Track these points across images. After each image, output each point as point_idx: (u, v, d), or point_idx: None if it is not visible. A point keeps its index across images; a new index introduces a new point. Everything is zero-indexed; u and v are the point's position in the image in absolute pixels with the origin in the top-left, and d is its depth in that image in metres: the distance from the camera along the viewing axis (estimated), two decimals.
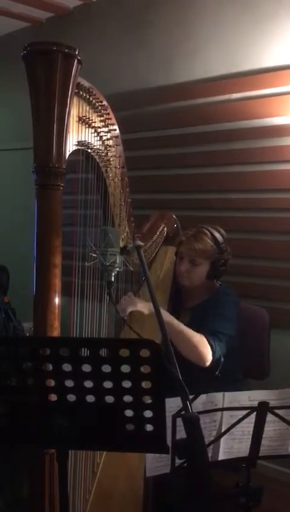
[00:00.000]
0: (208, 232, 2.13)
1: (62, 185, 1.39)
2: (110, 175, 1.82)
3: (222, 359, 2.00)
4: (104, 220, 1.85)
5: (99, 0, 3.63)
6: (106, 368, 1.09)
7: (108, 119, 1.68)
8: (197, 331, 1.99)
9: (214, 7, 3.01)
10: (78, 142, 1.55)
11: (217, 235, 2.14)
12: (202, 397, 1.38)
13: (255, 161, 2.86)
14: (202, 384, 1.87)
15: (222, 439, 1.42)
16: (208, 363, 1.95)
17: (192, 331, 1.98)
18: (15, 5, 3.58)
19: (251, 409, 1.37)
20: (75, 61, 1.38)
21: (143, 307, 2.00)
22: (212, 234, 2.13)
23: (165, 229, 2.41)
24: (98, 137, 1.68)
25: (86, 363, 1.10)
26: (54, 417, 1.15)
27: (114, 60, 3.53)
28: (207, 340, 1.96)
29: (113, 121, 1.71)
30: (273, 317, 2.41)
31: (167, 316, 1.95)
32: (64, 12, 3.79)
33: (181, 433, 1.20)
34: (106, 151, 1.74)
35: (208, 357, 1.94)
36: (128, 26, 3.47)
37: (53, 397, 1.14)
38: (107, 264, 1.49)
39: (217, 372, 1.99)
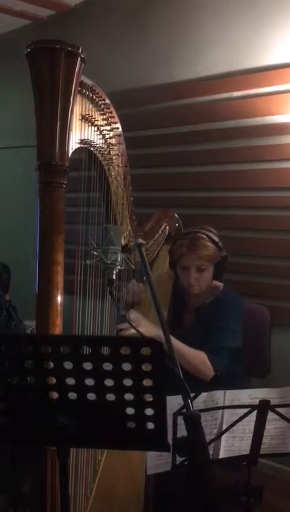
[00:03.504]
0: (205, 236, 2.10)
1: (65, 182, 1.39)
2: (113, 173, 1.82)
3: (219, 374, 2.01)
4: (106, 218, 1.85)
5: None
6: (107, 366, 1.09)
7: (111, 117, 1.67)
8: (205, 333, 1.99)
9: (215, 5, 3.00)
10: (81, 140, 1.55)
11: (212, 235, 2.12)
12: (203, 395, 1.39)
13: (256, 159, 2.86)
14: (203, 382, 1.88)
15: (223, 437, 1.43)
16: (209, 378, 1.96)
17: (192, 350, 1.98)
18: (16, 2, 3.58)
19: (252, 407, 1.37)
20: (79, 59, 1.38)
21: (146, 330, 1.85)
22: (208, 236, 2.11)
23: (167, 227, 2.40)
24: (101, 136, 1.68)
25: (87, 361, 1.09)
26: (55, 415, 1.15)
27: (115, 57, 3.53)
28: (208, 357, 1.98)
29: (116, 119, 1.71)
30: (274, 315, 2.41)
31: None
32: (66, 10, 3.78)
33: (182, 431, 1.20)
34: (108, 149, 1.74)
35: (209, 374, 1.95)
36: (129, 24, 3.47)
37: (54, 395, 1.14)
38: (108, 262, 1.49)
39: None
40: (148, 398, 1.11)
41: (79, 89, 1.45)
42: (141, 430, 1.14)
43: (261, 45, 2.83)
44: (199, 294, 2.18)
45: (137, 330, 1.51)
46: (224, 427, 1.41)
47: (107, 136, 1.71)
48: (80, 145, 1.54)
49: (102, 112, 1.64)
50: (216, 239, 2.12)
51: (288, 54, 2.73)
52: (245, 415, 1.37)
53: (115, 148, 1.77)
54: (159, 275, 2.31)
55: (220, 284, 2.21)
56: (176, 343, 1.95)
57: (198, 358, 1.97)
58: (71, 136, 1.42)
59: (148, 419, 1.13)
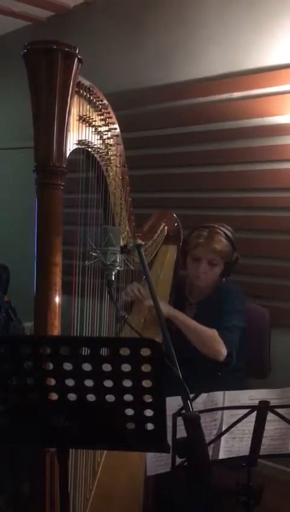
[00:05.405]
0: (222, 232, 2.15)
1: (63, 184, 1.39)
2: (111, 174, 1.82)
3: (234, 355, 2.04)
4: (104, 219, 1.85)
5: None
6: (107, 367, 1.09)
7: (108, 118, 1.67)
8: (206, 325, 2.02)
9: (215, 6, 3.00)
10: (79, 141, 1.54)
11: (229, 233, 2.16)
12: (203, 396, 1.39)
13: (256, 160, 2.86)
14: (204, 381, 1.88)
15: (223, 438, 1.43)
16: (222, 357, 2.02)
17: (205, 327, 2.03)
18: (16, 4, 3.58)
19: (252, 408, 1.37)
20: (76, 60, 1.38)
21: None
22: (225, 234, 2.15)
23: (166, 228, 2.40)
24: (99, 136, 1.67)
25: (87, 362, 1.09)
26: (54, 416, 1.15)
27: (115, 58, 3.53)
28: (219, 334, 2.01)
29: (114, 119, 1.71)
30: (274, 316, 2.41)
31: (180, 315, 2.03)
32: (65, 11, 3.79)
33: (182, 432, 1.20)
34: (106, 150, 1.74)
35: (222, 351, 2.01)
36: (128, 25, 3.47)
37: (54, 396, 1.14)
38: (108, 263, 1.48)
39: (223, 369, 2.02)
40: (148, 399, 1.11)
41: (76, 89, 1.45)
42: (141, 431, 1.14)
43: (261, 46, 2.83)
44: (203, 289, 2.20)
45: (135, 330, 1.51)
46: (224, 428, 1.40)
47: (105, 137, 1.70)
48: (77, 146, 1.54)
49: (100, 113, 1.64)
50: (232, 238, 2.18)
51: (288, 55, 2.73)
52: (245, 415, 1.37)
53: (113, 148, 1.77)
54: (158, 275, 2.31)
55: (222, 280, 2.25)
56: (188, 321, 2.04)
57: (210, 335, 2.02)
58: (69, 137, 1.42)
59: (147, 420, 1.13)
